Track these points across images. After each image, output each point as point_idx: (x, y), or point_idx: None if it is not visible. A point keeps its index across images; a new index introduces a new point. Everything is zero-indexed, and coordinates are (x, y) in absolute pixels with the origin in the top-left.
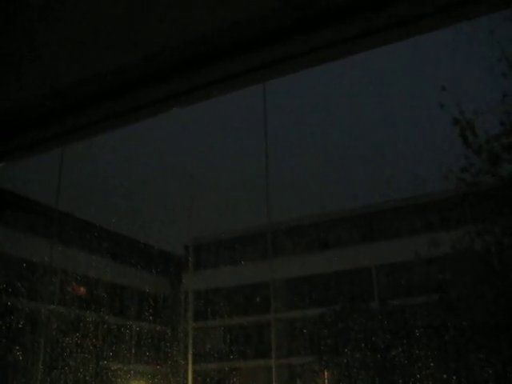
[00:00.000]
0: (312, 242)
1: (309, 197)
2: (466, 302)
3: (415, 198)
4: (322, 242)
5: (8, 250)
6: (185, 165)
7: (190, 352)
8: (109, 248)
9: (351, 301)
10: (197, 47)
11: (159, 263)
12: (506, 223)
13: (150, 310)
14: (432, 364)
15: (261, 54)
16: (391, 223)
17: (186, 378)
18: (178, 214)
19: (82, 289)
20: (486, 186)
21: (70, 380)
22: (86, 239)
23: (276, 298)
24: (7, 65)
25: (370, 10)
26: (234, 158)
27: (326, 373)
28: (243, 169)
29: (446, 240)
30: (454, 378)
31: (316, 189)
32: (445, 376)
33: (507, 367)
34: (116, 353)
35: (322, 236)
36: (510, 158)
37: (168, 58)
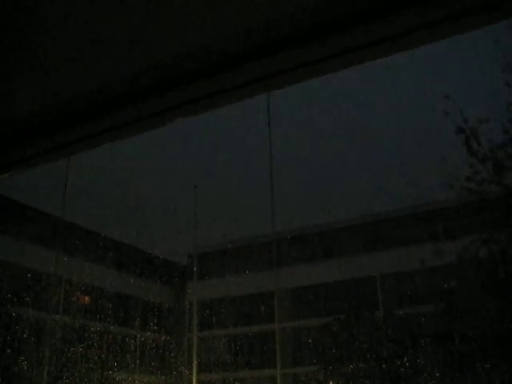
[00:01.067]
0: (316, 251)
1: (313, 206)
2: (472, 311)
3: (420, 207)
4: (327, 251)
5: (13, 260)
6: (190, 175)
7: (195, 362)
8: (113, 258)
9: (356, 310)
10: (201, 57)
11: (164, 273)
12: (510, 232)
13: (155, 320)
14: (438, 374)
15: (265, 63)
16: (396, 232)
17: None
18: (182, 223)
19: (87, 299)
20: (491, 194)
21: None
22: (91, 249)
23: (281, 308)
24: (10, 74)
25: (377, 19)
26: (239, 168)
27: (330, 382)
28: (247, 178)
29: (451, 249)
30: None
31: (320, 198)
32: None
33: None
34: (121, 363)
35: (326, 245)
36: None
37: (172, 67)
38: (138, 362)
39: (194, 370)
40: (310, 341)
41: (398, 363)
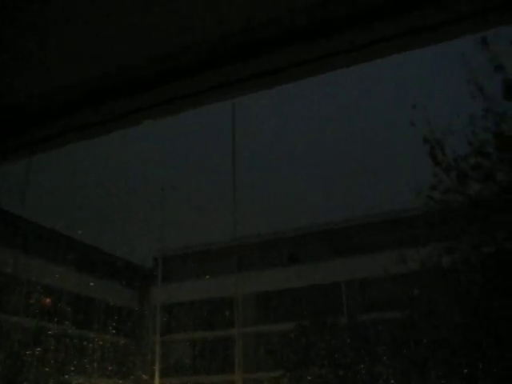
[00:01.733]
0: (282, 256)
1: (279, 212)
2: (432, 319)
3: (386, 214)
4: (292, 257)
5: None
6: (157, 177)
7: (157, 366)
8: (74, 259)
9: (319, 316)
10: (168, 61)
11: (126, 275)
12: (473, 241)
13: (114, 324)
14: (393, 381)
15: (230, 70)
16: (361, 239)
17: None
18: (148, 226)
19: (46, 300)
20: (455, 204)
21: None
22: (51, 249)
23: (244, 313)
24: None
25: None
26: (204, 172)
27: None
28: (213, 182)
29: (416, 256)
30: None
31: (287, 204)
32: None
33: None
34: (78, 367)
35: (291, 251)
36: (478, 177)
37: (140, 71)
38: (95, 365)
39: (157, 374)
40: (269, 346)
41: (355, 370)
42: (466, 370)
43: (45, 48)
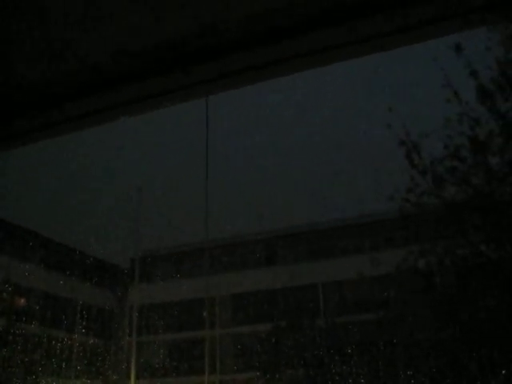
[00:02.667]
0: (258, 257)
1: (255, 212)
2: (406, 320)
3: (361, 217)
4: (269, 258)
5: None
6: (133, 176)
7: (133, 367)
8: (44, 257)
9: (295, 317)
10: (146, 57)
11: (100, 275)
12: (448, 244)
13: (84, 323)
14: (363, 381)
15: (204, 67)
16: (338, 241)
17: None
18: (125, 225)
19: (14, 299)
20: (430, 207)
21: None
22: (20, 247)
23: (220, 314)
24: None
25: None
26: (180, 172)
27: None
28: (187, 182)
29: (391, 259)
30: None
31: (263, 206)
32: None
33: None
34: (46, 367)
35: (268, 252)
36: (453, 180)
37: (117, 66)
38: (64, 366)
39: (132, 376)
40: (239, 347)
41: (325, 370)
42: (433, 370)
43: (22, 43)
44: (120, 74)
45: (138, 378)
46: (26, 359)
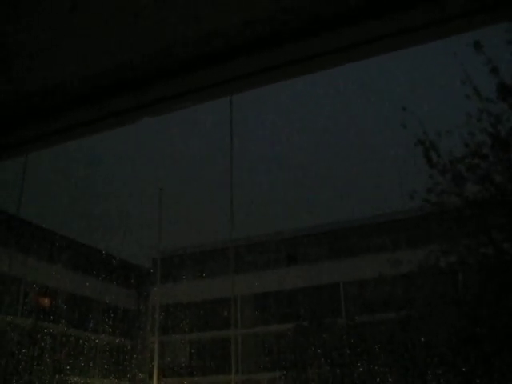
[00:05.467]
0: (280, 257)
1: (278, 212)
2: (430, 319)
3: (383, 216)
4: (291, 258)
5: None
6: (156, 177)
7: (156, 366)
8: (71, 259)
9: (317, 317)
10: (166, 58)
11: (124, 275)
12: (471, 242)
13: (110, 323)
14: (390, 380)
15: (230, 66)
16: (360, 240)
17: None
18: (147, 226)
19: (42, 299)
20: (451, 205)
21: None
22: (47, 248)
23: (242, 313)
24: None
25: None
26: (202, 172)
27: None
28: (211, 182)
29: (413, 258)
30: None
31: (286, 205)
32: None
33: (464, 383)
34: (74, 366)
35: (290, 251)
36: (474, 178)
37: (140, 67)
38: (92, 365)
39: (155, 374)
40: (266, 346)
41: (352, 369)
42: (463, 369)
43: (43, 45)
44: (144, 74)
45: (165, 376)
46: (54, 358)
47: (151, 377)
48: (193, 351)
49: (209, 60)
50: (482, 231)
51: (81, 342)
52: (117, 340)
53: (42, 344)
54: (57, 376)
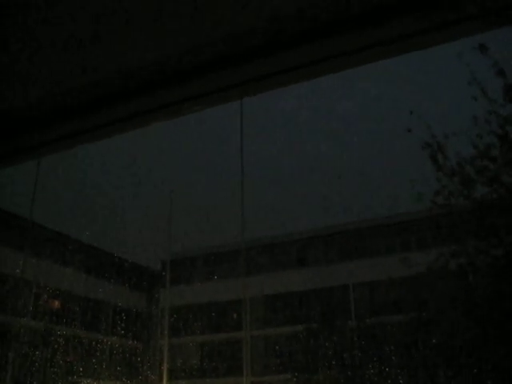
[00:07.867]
0: (290, 259)
1: (287, 214)
2: (441, 321)
3: (392, 218)
4: (301, 260)
5: None
6: (165, 179)
7: (165, 368)
8: (83, 261)
9: (327, 318)
10: (174, 63)
11: (134, 278)
12: (480, 244)
13: (123, 325)
14: (401, 381)
15: (240, 70)
16: (369, 242)
17: None
18: (157, 228)
19: (54, 302)
20: (460, 207)
21: None
22: (60, 252)
23: (252, 315)
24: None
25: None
26: (213, 174)
27: None
28: (221, 184)
29: (423, 260)
30: None
31: (295, 207)
32: None
33: None
34: (87, 368)
35: (300, 253)
36: (483, 180)
37: (151, 71)
38: (104, 367)
39: (165, 377)
40: (277, 348)
41: (363, 370)
42: (475, 371)
43: (51, 51)
44: (153, 79)
45: (174, 378)
46: (67, 360)
47: (161, 379)
48: (204, 353)
49: (218, 64)
50: (492, 233)
51: (93, 344)
52: (129, 342)
53: (55, 346)
54: (69, 378)
